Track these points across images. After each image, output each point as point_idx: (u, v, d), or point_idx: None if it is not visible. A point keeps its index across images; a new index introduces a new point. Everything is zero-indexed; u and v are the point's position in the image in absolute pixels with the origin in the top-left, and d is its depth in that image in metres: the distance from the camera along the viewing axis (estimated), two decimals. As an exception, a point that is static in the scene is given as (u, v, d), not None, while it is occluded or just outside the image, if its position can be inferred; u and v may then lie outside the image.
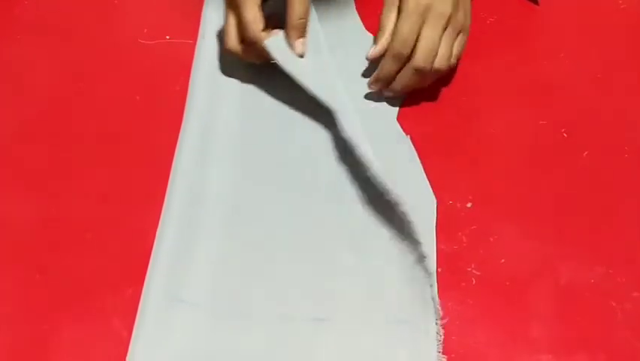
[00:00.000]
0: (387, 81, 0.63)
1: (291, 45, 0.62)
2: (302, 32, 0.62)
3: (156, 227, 0.57)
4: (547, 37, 0.70)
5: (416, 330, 0.52)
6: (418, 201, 0.57)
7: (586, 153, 0.62)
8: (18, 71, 0.69)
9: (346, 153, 0.61)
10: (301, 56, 0.62)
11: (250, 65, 0.65)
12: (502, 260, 0.56)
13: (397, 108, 0.64)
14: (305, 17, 0.61)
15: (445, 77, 0.65)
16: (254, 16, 0.60)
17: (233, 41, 0.63)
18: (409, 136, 0.62)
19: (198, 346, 0.52)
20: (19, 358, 0.52)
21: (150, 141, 0.63)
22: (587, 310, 0.54)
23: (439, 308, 0.53)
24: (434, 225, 0.57)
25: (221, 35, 0.65)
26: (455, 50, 0.63)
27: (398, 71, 0.62)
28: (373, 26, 0.65)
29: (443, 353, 0.51)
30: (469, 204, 0.59)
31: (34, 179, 0.61)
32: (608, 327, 0.53)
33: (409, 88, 0.63)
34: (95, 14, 0.73)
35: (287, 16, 0.61)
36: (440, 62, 0.61)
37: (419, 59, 0.61)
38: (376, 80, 0.64)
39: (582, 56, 0.68)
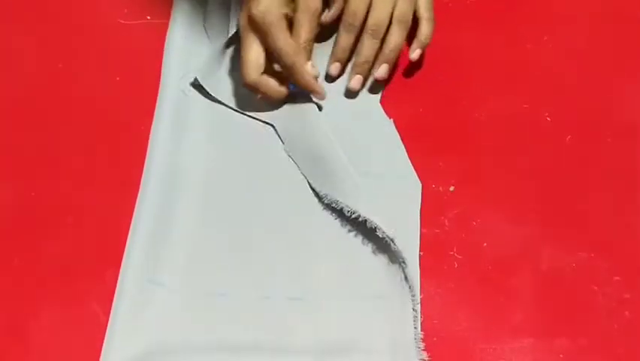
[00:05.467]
0: (346, 57, 0.63)
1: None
2: (309, 56, 0.61)
3: (133, 210, 0.57)
4: (530, 21, 0.69)
5: (391, 304, 0.53)
6: (402, 184, 0.57)
7: (569, 137, 0.61)
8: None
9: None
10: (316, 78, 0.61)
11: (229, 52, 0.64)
12: (485, 244, 0.56)
13: (380, 92, 0.64)
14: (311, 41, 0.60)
15: (428, 59, 0.65)
16: (290, 42, 0.58)
17: (255, 74, 0.59)
18: (392, 120, 0.62)
19: (175, 328, 0.52)
20: (-4, 342, 0.52)
21: (129, 123, 0.62)
22: (568, 295, 0.54)
23: (416, 284, 0.53)
24: (419, 208, 0.57)
25: (193, 19, 0.65)
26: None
27: (355, 45, 0.63)
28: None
29: (424, 337, 0.51)
30: (451, 188, 0.59)
31: (11, 162, 0.60)
32: (590, 311, 0.53)
33: (380, 63, 0.62)
34: (74, -6, 0.72)
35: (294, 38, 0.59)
36: (401, 16, 0.62)
37: (371, 23, 0.61)
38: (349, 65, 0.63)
39: (566, 40, 0.68)
